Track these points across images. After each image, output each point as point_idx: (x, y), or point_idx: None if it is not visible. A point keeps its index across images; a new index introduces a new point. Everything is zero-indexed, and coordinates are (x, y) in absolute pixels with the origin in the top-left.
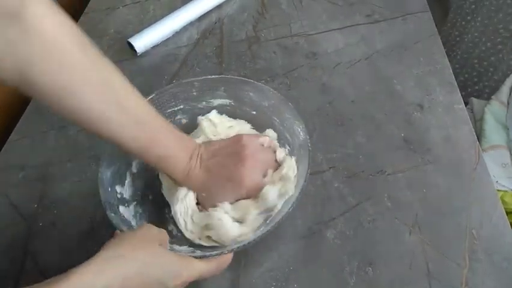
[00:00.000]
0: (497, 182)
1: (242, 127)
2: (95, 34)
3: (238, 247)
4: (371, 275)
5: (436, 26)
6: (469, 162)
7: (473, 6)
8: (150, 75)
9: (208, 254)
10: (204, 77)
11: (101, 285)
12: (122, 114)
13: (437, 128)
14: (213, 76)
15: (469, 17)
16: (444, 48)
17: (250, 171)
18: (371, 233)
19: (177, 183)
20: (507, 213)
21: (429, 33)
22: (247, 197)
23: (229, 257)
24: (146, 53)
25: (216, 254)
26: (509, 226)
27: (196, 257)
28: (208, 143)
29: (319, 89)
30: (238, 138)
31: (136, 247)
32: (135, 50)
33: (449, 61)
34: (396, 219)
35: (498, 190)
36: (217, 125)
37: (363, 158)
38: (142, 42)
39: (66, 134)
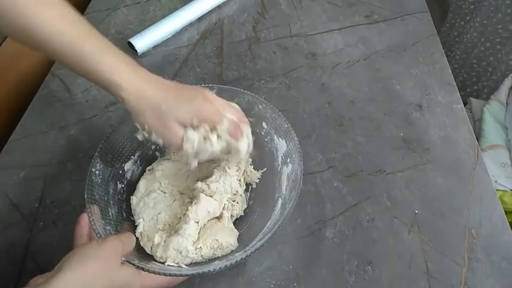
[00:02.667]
0: (496, 181)
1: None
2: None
3: (225, 266)
4: (371, 274)
5: (435, 26)
6: (468, 162)
7: (472, 6)
8: None
9: (197, 271)
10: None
11: None
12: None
13: (436, 127)
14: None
15: (468, 18)
16: (443, 48)
17: (214, 99)
18: (370, 232)
19: (127, 101)
20: (506, 212)
21: (429, 34)
22: (208, 119)
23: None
24: (146, 53)
25: (203, 273)
26: (508, 226)
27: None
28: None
29: (318, 89)
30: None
31: (99, 271)
32: (136, 50)
33: (448, 61)
34: (395, 218)
35: (497, 190)
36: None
37: (363, 157)
38: (143, 42)
39: (66, 134)
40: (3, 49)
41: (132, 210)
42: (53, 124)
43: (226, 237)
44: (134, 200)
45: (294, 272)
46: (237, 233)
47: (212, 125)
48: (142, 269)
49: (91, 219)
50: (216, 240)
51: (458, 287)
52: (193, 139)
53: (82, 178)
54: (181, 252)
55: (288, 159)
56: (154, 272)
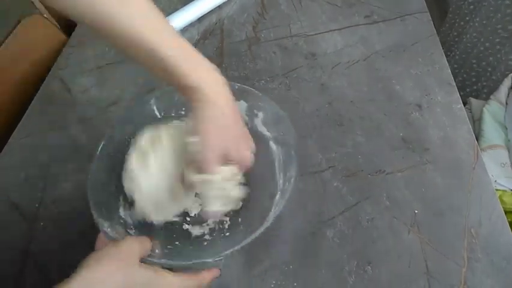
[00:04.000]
0: (495, 181)
1: None
2: (95, 36)
3: (216, 259)
4: (370, 274)
5: (435, 26)
6: (467, 162)
7: (472, 6)
8: (151, 76)
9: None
10: None
11: None
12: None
13: (435, 127)
14: None
15: (467, 18)
16: (443, 48)
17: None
18: (370, 232)
19: (197, 91)
20: (506, 212)
21: (428, 34)
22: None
23: (211, 274)
24: None
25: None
26: (508, 225)
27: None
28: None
29: (318, 89)
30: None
31: (116, 269)
32: None
33: (448, 61)
34: (395, 218)
35: (497, 190)
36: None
37: (362, 157)
38: None
39: (67, 134)
40: (4, 49)
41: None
42: (53, 124)
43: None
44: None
45: (294, 271)
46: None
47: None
48: (162, 266)
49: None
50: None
51: (457, 286)
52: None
53: (82, 178)
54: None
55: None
56: (171, 266)
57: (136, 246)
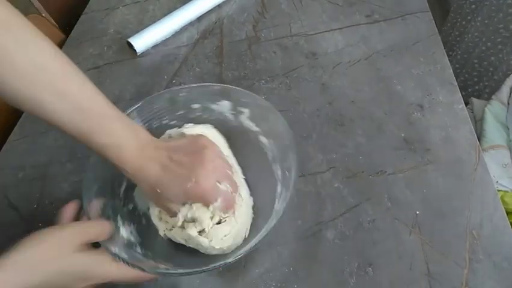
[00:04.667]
0: (497, 182)
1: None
2: (95, 34)
3: (224, 263)
4: (371, 275)
5: (436, 26)
6: (469, 163)
7: (474, 6)
8: (150, 75)
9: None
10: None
11: None
12: (56, 98)
13: (437, 128)
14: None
15: (469, 17)
16: (445, 48)
17: (209, 174)
18: (371, 233)
19: (127, 175)
20: (507, 213)
21: (430, 33)
22: (200, 200)
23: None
24: (146, 53)
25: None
26: (510, 226)
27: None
28: (166, 139)
29: (319, 89)
30: (199, 139)
31: (50, 257)
32: (135, 50)
33: (449, 61)
34: (396, 219)
35: (498, 190)
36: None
37: (363, 158)
38: (142, 42)
39: (65, 135)
40: None
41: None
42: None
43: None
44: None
45: (295, 273)
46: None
47: (205, 203)
48: (121, 259)
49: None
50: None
51: None
52: (184, 215)
53: (80, 179)
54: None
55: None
56: (133, 266)
57: (77, 232)
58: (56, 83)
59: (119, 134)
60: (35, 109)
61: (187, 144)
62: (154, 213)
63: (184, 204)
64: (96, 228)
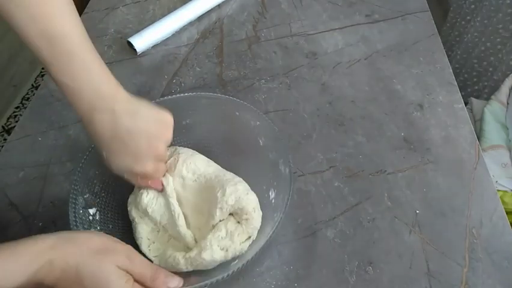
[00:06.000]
0: (496, 182)
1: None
2: (95, 34)
3: (222, 277)
4: (371, 274)
5: (436, 26)
6: (468, 162)
7: (473, 6)
8: (150, 75)
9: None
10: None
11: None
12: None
13: (437, 127)
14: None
15: (468, 17)
16: (444, 48)
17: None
18: (371, 232)
19: (82, 119)
20: (507, 213)
21: (429, 33)
22: (145, 169)
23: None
24: (146, 53)
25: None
26: (509, 226)
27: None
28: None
29: (319, 89)
30: (167, 117)
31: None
32: (135, 50)
33: (449, 61)
34: (396, 218)
35: (498, 190)
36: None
37: (363, 157)
38: (142, 41)
39: (66, 134)
40: (1, 48)
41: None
42: (52, 124)
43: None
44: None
45: (295, 272)
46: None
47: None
48: None
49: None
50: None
51: (458, 286)
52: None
53: None
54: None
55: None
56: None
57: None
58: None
59: (77, 76)
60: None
61: (152, 115)
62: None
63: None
64: (145, 270)
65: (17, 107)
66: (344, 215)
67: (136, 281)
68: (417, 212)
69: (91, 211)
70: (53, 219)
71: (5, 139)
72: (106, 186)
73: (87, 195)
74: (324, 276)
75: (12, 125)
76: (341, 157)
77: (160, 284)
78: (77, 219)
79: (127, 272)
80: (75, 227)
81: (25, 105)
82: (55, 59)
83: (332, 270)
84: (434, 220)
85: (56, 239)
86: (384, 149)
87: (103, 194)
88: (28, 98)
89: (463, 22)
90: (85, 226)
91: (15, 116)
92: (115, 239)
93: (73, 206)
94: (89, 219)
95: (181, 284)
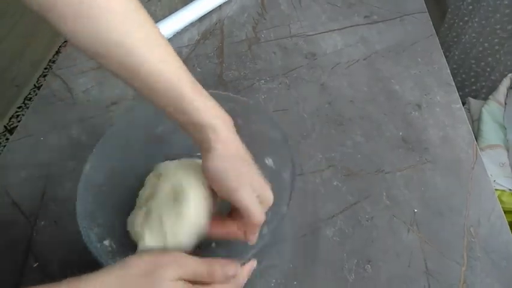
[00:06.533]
0: (494, 181)
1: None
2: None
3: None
4: (370, 273)
5: (434, 26)
6: (466, 162)
7: (471, 7)
8: None
9: None
10: None
11: None
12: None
13: (435, 127)
14: None
15: (466, 18)
16: (442, 48)
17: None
18: (370, 231)
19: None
20: (505, 212)
21: (427, 34)
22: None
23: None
24: None
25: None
26: (507, 225)
27: None
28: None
29: (318, 89)
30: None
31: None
32: None
33: (447, 61)
34: (394, 217)
35: (496, 189)
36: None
37: (362, 157)
38: None
39: (68, 134)
40: (4, 49)
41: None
42: (54, 124)
43: None
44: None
45: (294, 270)
46: None
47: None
48: None
49: None
50: None
51: (457, 285)
52: None
53: None
54: None
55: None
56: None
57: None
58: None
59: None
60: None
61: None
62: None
63: None
64: (199, 269)
65: (19, 107)
66: (343, 213)
67: (195, 283)
68: (416, 211)
69: (106, 243)
70: (55, 219)
71: (7, 139)
72: (107, 214)
73: (95, 229)
74: (323, 275)
75: (15, 125)
76: (339, 156)
77: (219, 277)
78: (101, 255)
79: (183, 280)
80: (106, 263)
81: (27, 105)
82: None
83: (330, 269)
84: (432, 219)
85: (100, 277)
86: (382, 149)
87: (109, 224)
88: (30, 98)
89: (461, 23)
90: (110, 258)
91: (18, 116)
92: (157, 251)
93: (90, 243)
94: (108, 250)
95: (239, 269)
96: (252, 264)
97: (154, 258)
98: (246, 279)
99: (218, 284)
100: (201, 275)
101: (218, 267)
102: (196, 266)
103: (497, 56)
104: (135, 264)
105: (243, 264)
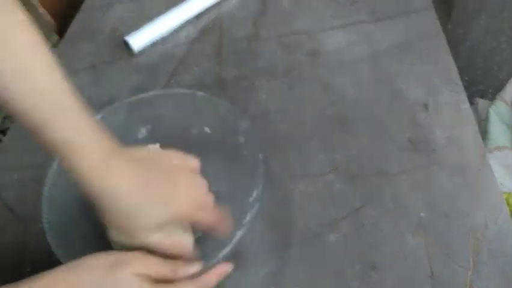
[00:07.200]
0: (501, 183)
1: None
2: (91, 32)
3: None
4: (374, 279)
5: (440, 24)
6: (474, 164)
7: (478, 5)
8: (147, 75)
9: None
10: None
11: None
12: (15, 76)
13: (442, 128)
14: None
15: (473, 16)
16: (448, 47)
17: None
18: (374, 235)
19: (84, 191)
20: None
21: (434, 32)
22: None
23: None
24: (143, 52)
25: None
26: None
27: None
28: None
29: (321, 89)
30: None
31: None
32: (132, 49)
33: (453, 60)
34: (399, 221)
35: (503, 192)
36: None
37: (366, 159)
38: (139, 40)
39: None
40: None
41: None
42: None
43: None
44: None
45: (296, 276)
46: None
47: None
48: None
49: None
50: None
51: None
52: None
53: None
54: None
55: None
56: None
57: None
58: (17, 58)
59: (80, 132)
60: None
61: (163, 159)
62: None
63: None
64: (163, 267)
65: None
66: (347, 218)
67: (158, 281)
68: (422, 214)
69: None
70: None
71: (0, 140)
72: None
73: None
74: (327, 281)
75: (7, 126)
76: (343, 159)
77: (182, 274)
78: None
79: (147, 276)
80: None
81: None
82: (46, 114)
83: (334, 275)
84: (438, 222)
85: (56, 273)
86: (387, 150)
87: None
88: None
89: (468, 21)
90: None
91: (11, 116)
92: (121, 252)
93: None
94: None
95: (200, 266)
96: (225, 267)
97: (115, 256)
98: (216, 282)
99: (181, 283)
100: (164, 272)
101: (181, 266)
102: (161, 263)
103: (505, 54)
104: (95, 262)
105: (214, 265)
